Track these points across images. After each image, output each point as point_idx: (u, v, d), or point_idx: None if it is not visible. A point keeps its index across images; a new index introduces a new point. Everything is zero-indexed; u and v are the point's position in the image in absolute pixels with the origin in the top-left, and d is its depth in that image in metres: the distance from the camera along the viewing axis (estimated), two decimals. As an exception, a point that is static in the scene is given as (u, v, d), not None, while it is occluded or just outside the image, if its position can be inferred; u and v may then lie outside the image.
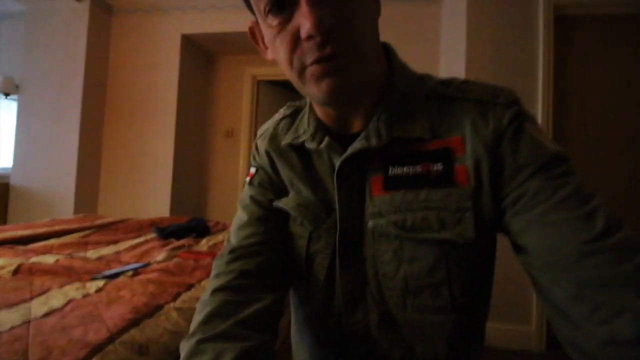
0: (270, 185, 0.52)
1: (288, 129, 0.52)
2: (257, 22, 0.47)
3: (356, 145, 0.41)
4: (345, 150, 0.42)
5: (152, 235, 1.73)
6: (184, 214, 3.06)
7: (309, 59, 0.36)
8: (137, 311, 0.78)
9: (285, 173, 0.50)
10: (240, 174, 3.50)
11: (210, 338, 0.37)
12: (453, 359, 0.42)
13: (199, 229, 1.82)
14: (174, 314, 0.81)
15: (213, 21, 2.99)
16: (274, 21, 0.38)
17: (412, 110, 0.42)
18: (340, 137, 0.44)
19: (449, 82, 0.46)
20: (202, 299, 0.45)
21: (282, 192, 0.51)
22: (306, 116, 0.49)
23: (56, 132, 2.87)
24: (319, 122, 0.46)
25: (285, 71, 0.40)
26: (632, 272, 0.29)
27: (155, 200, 3.00)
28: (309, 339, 0.51)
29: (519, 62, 2.06)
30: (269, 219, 0.50)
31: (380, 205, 0.41)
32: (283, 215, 0.49)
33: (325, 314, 0.47)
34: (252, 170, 0.57)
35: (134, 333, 0.69)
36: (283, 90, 3.83)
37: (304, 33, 0.34)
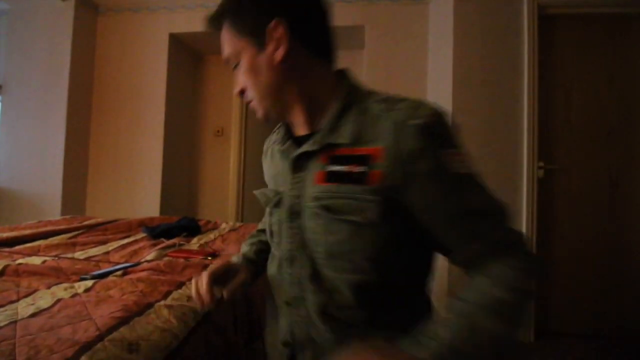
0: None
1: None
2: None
3: (303, 148, 0.57)
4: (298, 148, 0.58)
5: (142, 235, 1.72)
6: (174, 213, 3.03)
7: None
8: (127, 310, 0.77)
9: (266, 171, 0.72)
10: (231, 172, 3.48)
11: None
12: (364, 309, 0.55)
13: (190, 228, 1.81)
14: (165, 312, 0.80)
15: (201, 20, 2.95)
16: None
17: (344, 122, 0.54)
18: (301, 138, 0.60)
19: (382, 100, 0.54)
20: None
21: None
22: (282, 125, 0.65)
23: (42, 133, 2.82)
24: (287, 128, 0.64)
25: None
26: (489, 245, 0.52)
27: (145, 200, 2.97)
28: (271, 290, 0.70)
29: (505, 60, 2.10)
30: None
31: (318, 192, 0.54)
32: None
33: (279, 268, 0.64)
34: None
35: (123, 331, 0.69)
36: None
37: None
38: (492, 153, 2.09)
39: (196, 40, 3.20)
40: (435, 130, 0.49)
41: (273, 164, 0.67)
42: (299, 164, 0.58)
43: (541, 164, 2.11)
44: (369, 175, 0.50)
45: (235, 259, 0.76)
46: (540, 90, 2.09)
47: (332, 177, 0.53)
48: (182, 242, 1.58)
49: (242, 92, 0.60)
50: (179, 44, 3.17)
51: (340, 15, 2.77)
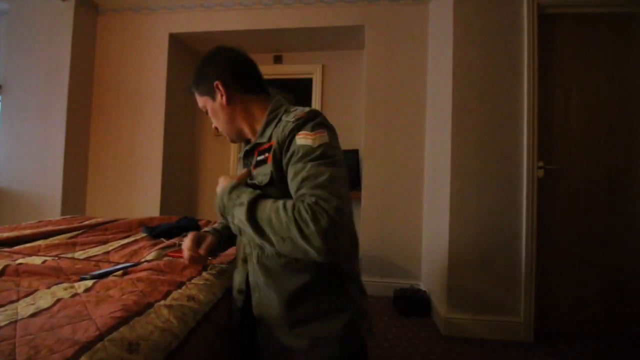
0: None
1: None
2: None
3: (245, 148, 0.93)
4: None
5: (142, 235, 1.72)
6: (173, 213, 3.04)
7: None
8: (127, 309, 0.77)
9: None
10: (231, 172, 3.48)
11: None
12: (280, 256, 0.81)
13: (190, 228, 1.81)
14: (165, 312, 0.80)
15: (201, 20, 2.97)
16: None
17: (267, 128, 0.88)
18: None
19: (289, 112, 0.86)
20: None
21: None
22: None
23: (42, 133, 2.82)
24: (247, 140, 0.98)
25: None
26: (297, 196, 0.73)
27: (145, 200, 2.97)
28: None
29: (505, 60, 2.10)
30: None
31: (253, 175, 0.86)
32: None
33: (240, 235, 0.91)
34: None
35: (123, 331, 0.69)
36: (272, 88, 3.81)
37: None
38: (492, 153, 2.09)
39: (196, 40, 3.20)
40: (298, 122, 0.79)
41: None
42: (246, 160, 0.91)
43: (541, 163, 2.11)
44: (268, 157, 0.81)
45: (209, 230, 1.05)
46: (540, 90, 2.09)
47: (257, 164, 0.85)
48: (182, 242, 1.57)
49: (216, 129, 0.99)
50: (178, 43, 3.17)
51: (340, 16, 2.78)
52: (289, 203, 0.69)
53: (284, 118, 0.83)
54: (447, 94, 2.19)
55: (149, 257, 1.31)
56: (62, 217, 2.26)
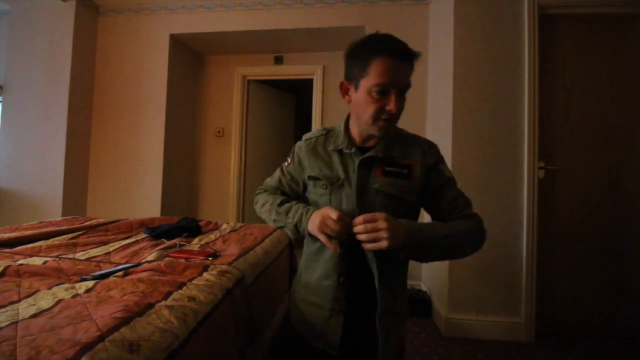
0: (299, 167, 1.01)
1: (325, 141, 0.97)
2: (348, 82, 0.87)
3: (370, 153, 0.88)
4: (362, 154, 0.89)
5: (143, 235, 1.72)
6: (174, 214, 3.04)
7: (383, 117, 0.82)
8: (127, 310, 0.77)
9: (312, 163, 0.95)
10: (232, 172, 3.49)
11: (278, 196, 1.04)
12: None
13: (190, 228, 1.81)
14: (166, 312, 0.80)
15: (202, 21, 2.98)
16: (377, 96, 0.81)
17: (394, 143, 0.90)
18: (359, 148, 0.91)
19: (409, 135, 0.94)
20: (263, 195, 1.08)
21: (308, 170, 0.97)
22: (342, 135, 0.93)
23: (42, 134, 2.83)
24: (350, 139, 0.92)
25: (364, 115, 0.84)
26: (464, 214, 0.89)
27: (146, 200, 2.97)
28: (325, 248, 0.90)
29: (505, 60, 2.10)
30: (290, 180, 1.04)
31: (379, 181, 0.87)
32: (309, 180, 0.96)
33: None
34: (289, 159, 1.04)
35: (124, 331, 0.69)
36: (273, 89, 3.83)
37: (390, 109, 0.81)
38: (493, 153, 2.09)
39: (197, 41, 3.21)
40: (439, 155, 0.92)
41: (324, 157, 0.94)
42: (364, 163, 0.88)
43: (541, 164, 2.11)
44: (411, 175, 0.88)
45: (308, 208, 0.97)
46: (540, 90, 2.09)
47: (387, 173, 0.87)
48: (182, 243, 1.58)
49: (389, 113, 0.82)
50: (179, 44, 3.17)
51: (341, 16, 2.78)
52: (474, 220, 0.88)
53: (412, 141, 0.92)
54: (448, 94, 2.19)
55: (149, 258, 1.31)
56: (63, 217, 2.26)
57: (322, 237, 0.82)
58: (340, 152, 0.91)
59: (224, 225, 2.09)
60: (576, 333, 2.08)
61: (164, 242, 1.56)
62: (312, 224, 0.84)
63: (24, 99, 2.86)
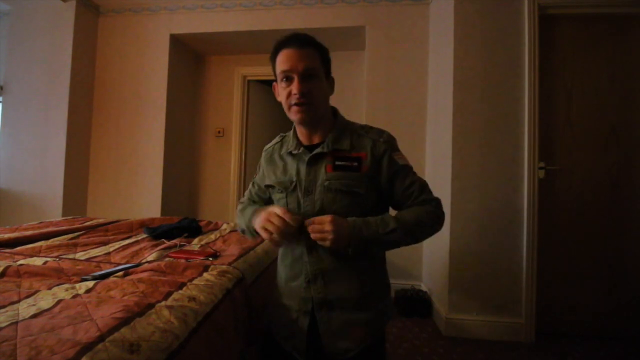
0: (263, 177, 1.04)
1: (281, 147, 1.00)
2: (276, 83, 0.94)
3: (317, 150, 0.90)
4: (309, 152, 0.91)
5: (143, 236, 1.72)
6: (174, 214, 3.04)
7: (292, 102, 0.87)
8: (128, 310, 0.77)
9: (269, 171, 1.00)
10: (232, 173, 3.49)
11: (249, 204, 1.05)
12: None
13: (190, 229, 1.81)
14: (166, 312, 0.80)
15: (202, 21, 2.98)
16: (284, 84, 0.88)
17: (343, 137, 0.92)
18: (308, 147, 0.93)
19: (361, 126, 0.96)
20: (240, 207, 1.08)
21: (266, 180, 1.01)
22: (291, 138, 0.97)
23: (43, 134, 2.83)
24: (297, 139, 0.95)
25: (284, 105, 0.91)
26: (421, 202, 0.90)
27: (146, 201, 2.97)
28: (288, 250, 0.95)
29: (505, 61, 2.10)
30: (258, 190, 1.07)
31: (329, 177, 0.88)
32: (267, 188, 1.01)
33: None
34: (257, 170, 1.09)
35: (124, 332, 0.69)
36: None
37: (294, 92, 0.86)
38: (493, 153, 2.09)
39: (197, 41, 3.21)
40: (389, 143, 0.92)
41: (279, 163, 0.97)
42: (313, 160, 0.90)
43: (542, 164, 2.11)
44: (361, 167, 0.88)
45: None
46: (540, 90, 2.09)
47: (338, 168, 0.88)
48: (183, 243, 1.58)
49: (302, 95, 0.86)
50: (179, 44, 3.17)
51: (341, 16, 2.78)
52: (428, 205, 0.90)
53: (362, 132, 0.93)
54: (448, 94, 2.19)
55: (150, 258, 1.31)
56: (63, 218, 2.26)
57: (263, 233, 0.84)
58: (291, 154, 0.94)
59: (224, 226, 2.09)
60: (576, 333, 2.08)
61: (164, 242, 1.56)
62: (258, 221, 0.86)
63: (24, 99, 2.86)
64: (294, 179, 0.91)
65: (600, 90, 2.11)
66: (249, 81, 3.55)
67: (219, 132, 3.50)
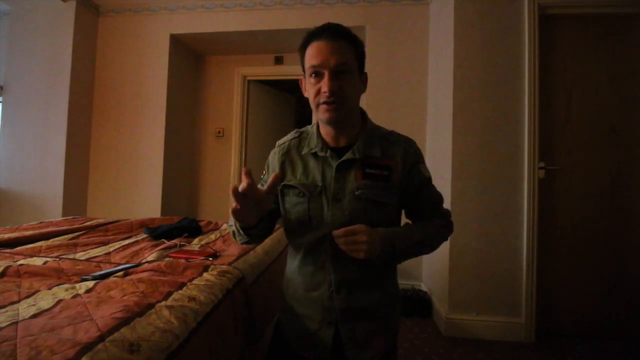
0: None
1: (298, 145, 0.91)
2: (304, 77, 0.85)
3: (347, 155, 0.83)
4: (339, 157, 0.84)
5: (143, 236, 1.72)
6: (174, 214, 3.04)
7: (321, 100, 0.79)
8: (128, 310, 0.77)
9: (287, 167, 0.89)
10: (232, 173, 3.49)
11: None
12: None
13: (191, 229, 1.81)
14: (166, 312, 0.80)
15: (202, 21, 2.98)
16: (313, 80, 0.80)
17: (373, 142, 0.86)
18: (335, 149, 0.86)
19: (389, 132, 0.91)
20: None
21: (283, 180, 0.89)
22: (314, 136, 0.88)
23: (43, 134, 2.83)
24: (323, 140, 0.87)
25: (311, 103, 0.83)
26: (439, 214, 0.93)
27: (146, 201, 2.97)
28: (308, 259, 0.88)
29: (505, 61, 2.10)
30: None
31: (360, 186, 0.82)
32: (284, 189, 0.88)
33: (320, 239, 0.85)
34: (264, 170, 0.97)
35: (124, 332, 0.69)
36: (273, 89, 3.83)
37: (324, 90, 0.78)
38: (493, 153, 2.09)
39: (197, 41, 3.21)
40: (418, 153, 0.90)
41: (299, 163, 0.88)
42: (342, 166, 0.83)
43: (542, 164, 2.11)
44: (391, 176, 0.84)
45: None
46: (540, 90, 2.09)
47: (368, 176, 0.83)
48: (183, 243, 1.58)
49: (332, 93, 0.78)
50: (179, 44, 3.17)
51: (341, 16, 2.78)
52: (444, 218, 0.93)
53: (392, 139, 0.88)
54: (448, 94, 2.19)
55: (150, 258, 1.31)
56: (63, 218, 2.26)
57: (232, 216, 0.74)
58: (315, 155, 0.86)
59: (224, 226, 2.09)
60: (576, 333, 2.08)
61: (164, 242, 1.56)
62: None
63: (24, 99, 2.86)
64: (319, 184, 0.83)
65: (600, 90, 2.11)
66: (249, 81, 3.55)
67: (219, 132, 3.50)
